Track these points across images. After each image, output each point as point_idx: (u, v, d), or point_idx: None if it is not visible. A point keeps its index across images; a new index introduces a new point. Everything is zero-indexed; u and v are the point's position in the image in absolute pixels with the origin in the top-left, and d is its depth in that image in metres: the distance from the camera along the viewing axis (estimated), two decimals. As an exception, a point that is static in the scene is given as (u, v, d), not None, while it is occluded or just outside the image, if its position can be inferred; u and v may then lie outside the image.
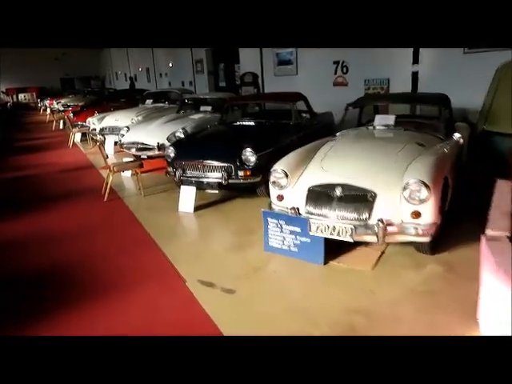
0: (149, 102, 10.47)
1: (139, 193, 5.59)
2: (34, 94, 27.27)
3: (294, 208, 3.35)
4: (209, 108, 8.35)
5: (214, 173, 4.80)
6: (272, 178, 3.55)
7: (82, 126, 10.75)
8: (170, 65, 16.43)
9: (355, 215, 3.10)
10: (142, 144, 7.03)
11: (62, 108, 17.88)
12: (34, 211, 5.11)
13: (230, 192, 5.12)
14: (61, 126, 14.30)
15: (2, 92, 26.85)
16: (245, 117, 6.44)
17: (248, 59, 11.05)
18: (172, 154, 5.15)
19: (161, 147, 6.83)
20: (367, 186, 3.12)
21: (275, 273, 3.27)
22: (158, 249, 3.77)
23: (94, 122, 9.42)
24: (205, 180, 4.80)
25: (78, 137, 10.68)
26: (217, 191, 4.83)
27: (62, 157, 8.88)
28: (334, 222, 3.13)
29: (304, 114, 6.01)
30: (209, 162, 4.78)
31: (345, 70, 7.96)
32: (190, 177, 4.91)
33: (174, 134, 6.94)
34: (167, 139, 6.89)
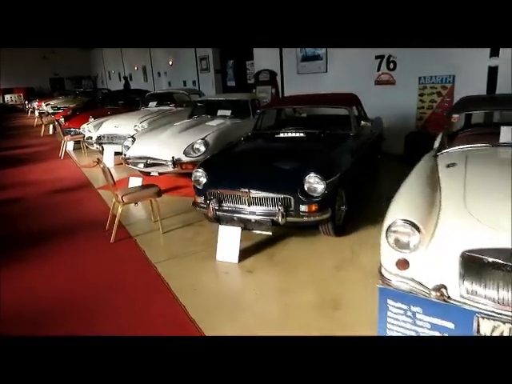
0: (152, 104, 9.12)
1: (155, 227, 4.25)
2: (22, 95, 25.64)
3: (439, 287, 2.05)
4: (228, 112, 7.02)
5: (264, 207, 3.48)
6: (392, 236, 2.24)
7: (75, 133, 9.34)
8: (170, 63, 15.02)
9: None
10: (153, 159, 5.67)
11: (51, 110, 16.50)
12: (14, 260, 3.74)
13: (280, 227, 3.80)
14: (50, 131, 12.88)
15: (-13, 93, 25.18)
16: (281, 124, 5.11)
17: (264, 55, 9.72)
18: (203, 180, 3.81)
19: (176, 162, 5.49)
20: None
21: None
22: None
23: (89, 129, 8.04)
24: (252, 217, 3.48)
25: (70, 145, 9.28)
26: (270, 233, 3.50)
27: (52, 171, 7.47)
28: (525, 320, 1.84)
29: (364, 122, 4.70)
30: (258, 192, 3.46)
31: (392, 65, 6.67)
32: (230, 211, 3.58)
33: (191, 146, 5.61)
34: (184, 153, 5.56)
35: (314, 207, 3.37)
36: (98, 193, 5.83)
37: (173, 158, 5.47)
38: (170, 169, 5.54)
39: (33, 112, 19.31)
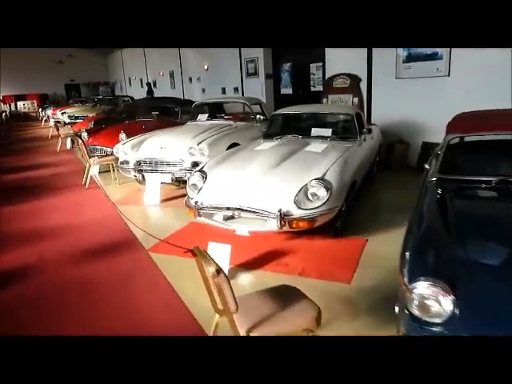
0: (202, 117, 7.06)
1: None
2: (35, 102, 23.93)
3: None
4: (327, 132, 4.93)
5: None
6: None
7: (103, 152, 7.34)
8: (205, 67, 13.03)
9: None
10: (243, 210, 3.55)
11: (68, 120, 14.63)
12: None
13: None
14: (68, 145, 10.94)
15: (-1, 100, 23.50)
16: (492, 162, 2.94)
17: (341, 55, 7.63)
18: (445, 309, 1.67)
19: (284, 217, 3.38)
20: None
21: None
22: None
23: (125, 151, 5.98)
24: None
25: (95, 168, 7.23)
26: None
27: (76, 210, 5.39)
28: None
29: None
30: None
31: None
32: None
33: (304, 190, 3.51)
34: (296, 202, 3.44)
35: None
36: (152, 261, 3.71)
37: (280, 210, 3.35)
38: (274, 227, 3.42)
39: (47, 121, 17.55)
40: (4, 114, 21.33)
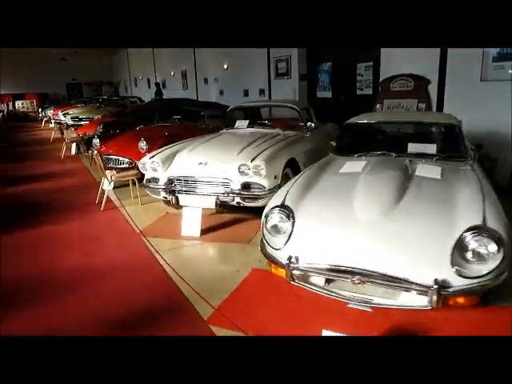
0: (242, 124, 5.85)
1: None
2: (34, 101, 22.63)
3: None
4: (429, 148, 3.74)
5: None
6: None
7: (119, 163, 6.13)
8: (225, 67, 11.84)
9: None
10: (366, 275, 2.32)
11: (70, 122, 13.37)
12: None
13: None
14: (73, 151, 9.75)
15: (-4, 99, 22.19)
16: None
17: (402, 52, 6.44)
18: None
19: (443, 293, 2.16)
20: None
21: None
22: None
23: (155, 167, 4.74)
24: None
25: (111, 184, 5.98)
26: None
27: (94, 248, 4.06)
28: None
29: None
30: None
31: None
32: None
33: (460, 247, 2.29)
34: (453, 264, 2.22)
35: None
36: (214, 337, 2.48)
37: (436, 281, 2.13)
38: (419, 303, 2.21)
39: (47, 122, 16.29)
40: (1, 113, 20.05)
